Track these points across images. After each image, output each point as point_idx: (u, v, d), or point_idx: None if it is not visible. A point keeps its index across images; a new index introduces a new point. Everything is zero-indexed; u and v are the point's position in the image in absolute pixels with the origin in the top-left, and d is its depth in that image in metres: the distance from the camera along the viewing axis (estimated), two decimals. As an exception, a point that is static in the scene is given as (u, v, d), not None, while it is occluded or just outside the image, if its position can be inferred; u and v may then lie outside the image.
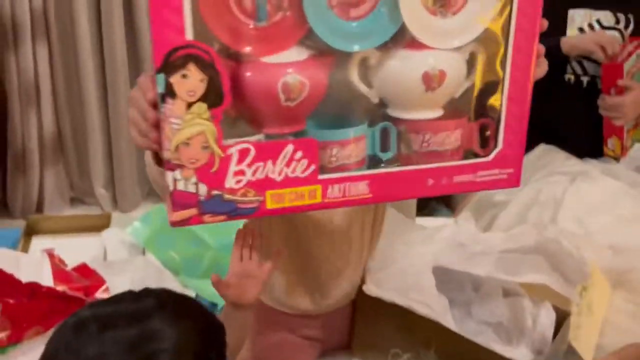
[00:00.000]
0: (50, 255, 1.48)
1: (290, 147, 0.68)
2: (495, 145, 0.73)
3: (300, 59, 0.69)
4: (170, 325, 0.71)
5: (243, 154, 0.67)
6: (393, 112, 0.71)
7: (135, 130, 0.72)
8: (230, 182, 0.68)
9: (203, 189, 0.68)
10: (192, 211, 0.69)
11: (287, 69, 0.67)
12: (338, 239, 1.12)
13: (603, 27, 1.64)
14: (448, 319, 0.98)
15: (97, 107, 3.02)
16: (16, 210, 3.02)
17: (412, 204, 1.77)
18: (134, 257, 1.61)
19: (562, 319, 1.03)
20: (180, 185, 0.67)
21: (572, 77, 1.68)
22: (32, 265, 1.36)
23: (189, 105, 0.65)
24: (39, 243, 1.67)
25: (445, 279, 1.08)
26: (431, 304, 1.00)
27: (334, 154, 0.69)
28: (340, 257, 1.14)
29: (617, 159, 1.67)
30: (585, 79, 1.68)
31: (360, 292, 1.14)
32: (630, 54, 1.55)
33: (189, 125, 0.65)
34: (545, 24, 0.75)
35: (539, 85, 1.58)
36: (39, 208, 3.07)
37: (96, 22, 2.90)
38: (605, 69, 1.55)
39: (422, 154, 0.70)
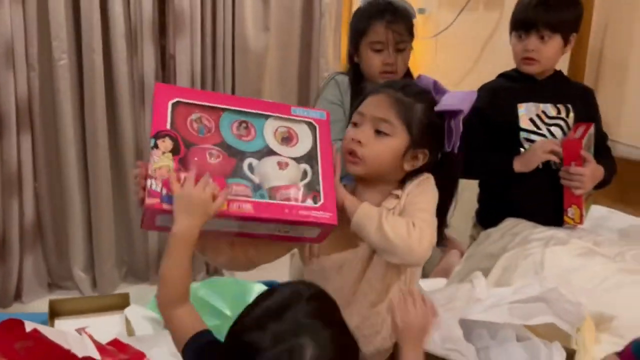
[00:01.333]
0: (85, 333, 1.57)
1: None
2: (321, 200, 1.26)
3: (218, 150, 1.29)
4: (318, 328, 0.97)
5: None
6: (266, 185, 1.26)
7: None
8: None
9: (164, 191, 1.18)
10: (156, 200, 1.18)
11: (211, 151, 1.26)
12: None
13: (549, 117, 1.94)
14: (478, 364, 1.18)
15: (78, 193, 3.09)
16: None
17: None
18: (157, 331, 1.72)
19: (568, 355, 1.24)
20: (153, 186, 1.18)
21: None
22: (79, 342, 1.46)
23: (163, 152, 1.21)
24: (63, 324, 1.75)
25: (467, 330, 1.27)
26: (463, 352, 1.19)
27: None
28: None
29: (575, 226, 1.93)
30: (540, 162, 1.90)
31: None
32: (583, 134, 1.84)
33: (162, 161, 1.20)
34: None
35: (489, 176, 1.86)
36: (18, 295, 3.06)
37: (79, 112, 3.03)
38: (566, 145, 1.83)
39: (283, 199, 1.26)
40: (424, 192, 1.33)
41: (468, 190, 2.94)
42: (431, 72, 3.17)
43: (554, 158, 1.81)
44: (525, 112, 1.91)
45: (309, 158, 1.29)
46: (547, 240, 1.78)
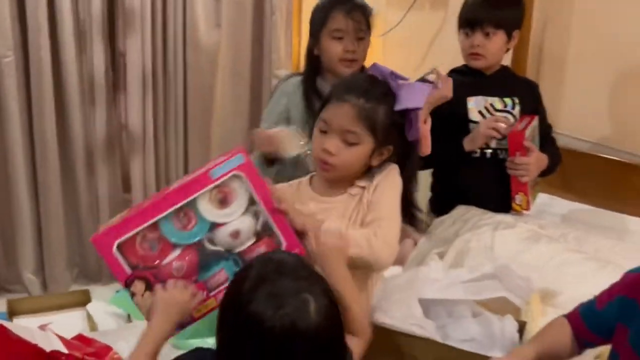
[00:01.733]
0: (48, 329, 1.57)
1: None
2: (283, 242, 1.31)
3: (176, 254, 1.30)
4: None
5: None
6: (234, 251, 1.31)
7: None
8: None
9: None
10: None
11: (173, 263, 1.30)
12: None
13: (496, 110, 2.05)
14: (438, 338, 1.25)
15: (26, 194, 3.02)
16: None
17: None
18: (121, 325, 1.73)
19: (520, 327, 1.34)
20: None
21: (478, 152, 2.03)
22: (44, 338, 1.45)
23: (142, 295, 1.28)
24: (23, 323, 1.74)
25: (426, 308, 1.35)
26: (425, 327, 1.27)
27: None
28: None
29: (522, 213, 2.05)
30: (488, 152, 2.03)
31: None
32: (527, 125, 1.96)
33: (144, 301, 1.27)
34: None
35: (453, 160, 1.97)
36: (-36, 300, 2.98)
37: (26, 111, 2.96)
38: (511, 136, 1.94)
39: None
40: (390, 187, 1.40)
41: (420, 182, 3.06)
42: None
43: (494, 133, 1.92)
44: (475, 105, 2.03)
45: (252, 205, 1.30)
46: (496, 224, 1.89)
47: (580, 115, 2.21)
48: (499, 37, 1.95)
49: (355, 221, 1.38)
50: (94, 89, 3.03)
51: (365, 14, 1.86)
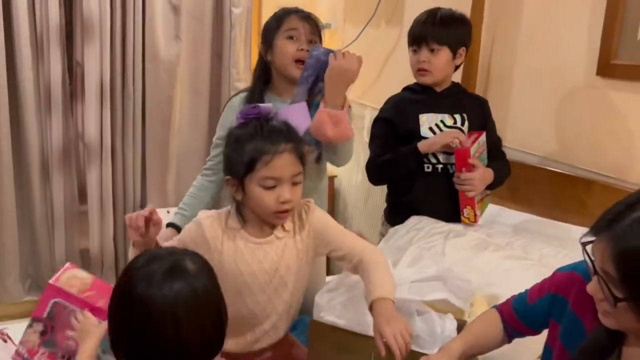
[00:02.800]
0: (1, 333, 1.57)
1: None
2: None
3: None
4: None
5: None
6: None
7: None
8: None
9: (26, 355, 1.55)
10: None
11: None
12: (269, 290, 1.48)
13: (446, 126, 2.13)
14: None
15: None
16: None
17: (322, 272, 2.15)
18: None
19: (460, 326, 1.40)
20: (20, 349, 1.55)
21: (430, 167, 2.08)
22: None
23: (34, 332, 1.57)
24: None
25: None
26: (367, 326, 1.32)
27: None
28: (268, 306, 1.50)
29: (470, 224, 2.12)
30: (439, 167, 2.08)
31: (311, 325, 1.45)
32: (474, 142, 2.04)
33: (30, 336, 1.55)
34: None
35: (407, 175, 2.04)
36: None
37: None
38: (457, 153, 2.02)
39: None
40: (325, 214, 1.57)
41: (373, 197, 3.14)
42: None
43: (455, 141, 1.98)
44: (426, 121, 2.09)
45: None
46: (447, 233, 1.96)
47: (527, 130, 2.31)
48: (444, 53, 2.03)
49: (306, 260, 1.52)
50: (50, 98, 3.02)
51: (317, 24, 1.91)
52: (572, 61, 2.12)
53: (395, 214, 2.21)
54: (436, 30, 2.02)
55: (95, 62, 3.06)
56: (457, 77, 2.41)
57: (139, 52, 3.18)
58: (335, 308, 1.46)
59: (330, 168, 2.18)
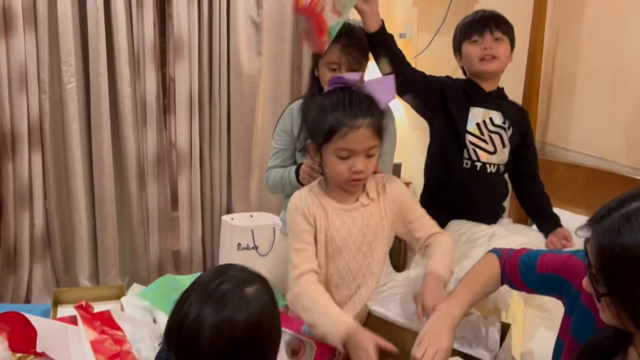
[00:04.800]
0: (80, 307, 1.79)
1: None
2: None
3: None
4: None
5: None
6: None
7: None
8: None
9: None
10: None
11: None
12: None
13: (494, 125, 2.02)
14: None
15: (84, 207, 3.34)
16: (6, 303, 3.23)
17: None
18: (145, 317, 1.93)
19: (504, 329, 1.43)
20: None
21: (469, 164, 2.02)
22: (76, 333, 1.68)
23: None
24: (64, 311, 1.97)
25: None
26: (415, 321, 1.39)
27: None
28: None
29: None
30: (478, 164, 2.02)
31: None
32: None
33: None
34: None
35: (442, 174, 2.00)
36: (27, 302, 3.29)
37: (86, 131, 3.29)
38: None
39: None
40: (407, 190, 1.62)
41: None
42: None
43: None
44: (476, 115, 2.05)
45: None
46: (490, 235, 1.96)
47: (590, 132, 2.26)
48: (506, 44, 1.98)
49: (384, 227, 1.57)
50: (145, 111, 3.33)
51: (361, 45, 1.88)
52: (635, 61, 2.07)
53: (434, 218, 2.18)
54: (498, 21, 1.99)
55: (185, 77, 3.34)
56: (521, 79, 2.41)
57: (224, 67, 3.42)
58: (385, 302, 1.52)
59: (405, 175, 2.21)
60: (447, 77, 2.14)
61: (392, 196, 1.58)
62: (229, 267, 1.17)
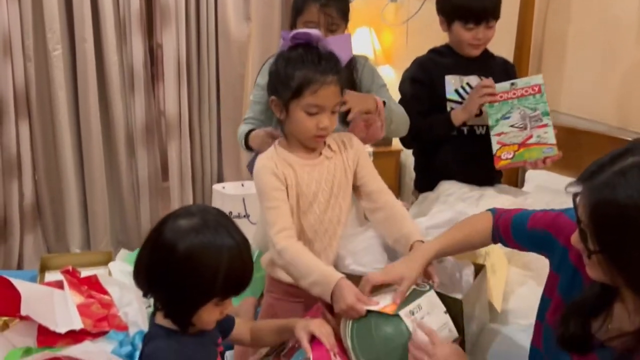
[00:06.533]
0: (67, 272, 1.78)
1: None
2: None
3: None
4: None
5: None
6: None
7: None
8: None
9: None
10: None
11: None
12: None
13: (472, 88, 2.01)
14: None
15: (74, 176, 3.31)
16: (-3, 273, 3.23)
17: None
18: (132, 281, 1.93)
19: (477, 270, 1.44)
20: None
21: (455, 130, 2.01)
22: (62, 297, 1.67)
23: None
24: (51, 277, 1.97)
25: (392, 255, 1.48)
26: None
27: None
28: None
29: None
30: (465, 129, 2.03)
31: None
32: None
33: None
34: None
35: (434, 139, 2.00)
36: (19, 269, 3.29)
37: (73, 99, 3.26)
38: None
39: None
40: (365, 149, 1.62)
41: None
42: (404, 54, 3.36)
43: (490, 99, 1.96)
44: (452, 83, 2.06)
45: None
46: (479, 197, 1.95)
47: (581, 94, 2.25)
48: (494, 26, 2.00)
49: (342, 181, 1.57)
50: (133, 78, 3.29)
51: (340, 5, 1.86)
52: (626, 21, 2.04)
53: (425, 180, 2.18)
54: (494, 6, 1.98)
55: (172, 44, 3.29)
56: (512, 41, 2.39)
57: (212, 33, 3.38)
58: (356, 256, 1.52)
59: (397, 142, 2.19)
60: (410, 70, 2.15)
61: (352, 150, 1.59)
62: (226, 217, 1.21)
